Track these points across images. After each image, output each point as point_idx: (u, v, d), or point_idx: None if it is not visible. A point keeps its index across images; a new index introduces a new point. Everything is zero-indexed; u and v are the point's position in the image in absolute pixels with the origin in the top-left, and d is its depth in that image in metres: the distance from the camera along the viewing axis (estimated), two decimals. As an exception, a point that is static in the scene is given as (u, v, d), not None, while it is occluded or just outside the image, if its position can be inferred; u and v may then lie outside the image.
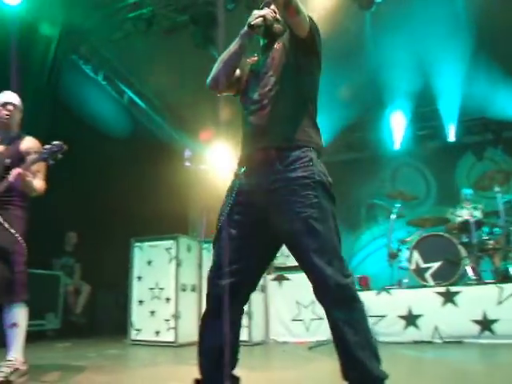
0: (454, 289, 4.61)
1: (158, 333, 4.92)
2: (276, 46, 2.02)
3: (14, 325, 2.71)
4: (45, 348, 4.69)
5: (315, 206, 1.75)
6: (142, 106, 8.02)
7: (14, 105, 3.07)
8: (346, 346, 1.67)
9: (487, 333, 4.30)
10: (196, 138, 8.62)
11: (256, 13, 1.91)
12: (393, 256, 5.69)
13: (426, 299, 4.67)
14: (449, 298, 4.55)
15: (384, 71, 6.54)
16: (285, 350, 4.54)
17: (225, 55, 2.01)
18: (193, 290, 5.18)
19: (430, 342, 4.45)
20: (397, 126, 8.53)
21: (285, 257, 5.03)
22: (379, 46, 6.07)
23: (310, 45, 1.91)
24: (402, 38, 5.83)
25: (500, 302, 4.34)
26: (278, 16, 2.02)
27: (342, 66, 5.69)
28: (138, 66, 6.96)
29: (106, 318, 6.73)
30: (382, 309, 4.75)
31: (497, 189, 5.28)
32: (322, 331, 4.66)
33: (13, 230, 2.77)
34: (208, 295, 1.86)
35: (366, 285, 5.49)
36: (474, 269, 5.01)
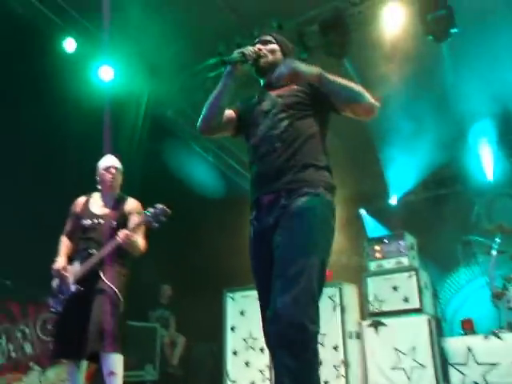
0: None
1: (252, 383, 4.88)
2: (284, 86, 1.99)
3: (112, 373, 2.83)
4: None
5: (309, 230, 1.70)
6: (232, 163, 8.34)
7: (116, 168, 3.27)
8: None
9: None
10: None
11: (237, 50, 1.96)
12: (498, 296, 5.22)
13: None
14: None
15: (466, 102, 6.33)
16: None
17: (211, 97, 2.01)
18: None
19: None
20: (486, 157, 8.09)
21: (379, 302, 4.83)
22: (459, 76, 5.92)
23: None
24: (482, 65, 5.65)
25: None
26: (263, 52, 2.03)
27: (423, 99, 5.61)
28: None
29: (201, 369, 6.80)
30: (494, 356, 4.33)
31: None
32: (426, 380, 4.34)
33: (110, 284, 2.93)
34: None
35: (470, 328, 5.07)
36: None
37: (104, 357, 2.84)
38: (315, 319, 1.56)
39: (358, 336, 4.90)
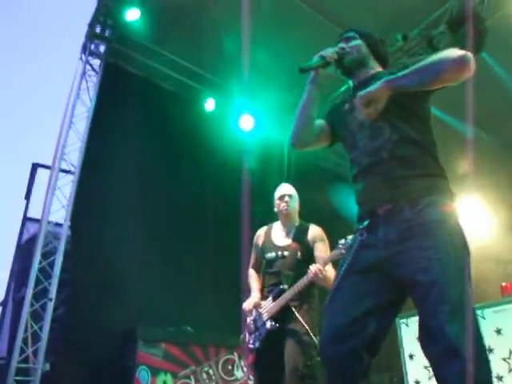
0: None
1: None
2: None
3: None
4: None
5: (451, 253, 1.49)
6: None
7: (289, 195, 3.17)
8: None
9: None
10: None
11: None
12: None
13: None
14: None
15: None
16: None
17: (297, 109, 1.87)
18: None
19: None
20: None
21: None
22: None
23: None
24: None
25: None
26: (346, 49, 1.86)
27: None
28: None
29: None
30: None
31: None
32: None
33: (303, 322, 2.83)
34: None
35: None
36: None
37: None
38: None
39: None
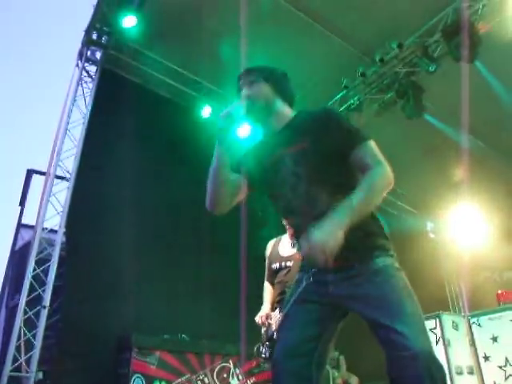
0: None
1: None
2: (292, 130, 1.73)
3: None
4: None
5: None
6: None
7: None
8: None
9: None
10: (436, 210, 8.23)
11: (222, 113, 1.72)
12: None
13: None
14: None
15: None
16: None
17: (210, 174, 1.74)
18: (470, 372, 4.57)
19: None
20: None
21: None
22: None
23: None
24: None
25: None
26: (251, 98, 1.75)
27: None
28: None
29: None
30: None
31: None
32: None
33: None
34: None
35: None
36: None
37: None
38: None
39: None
